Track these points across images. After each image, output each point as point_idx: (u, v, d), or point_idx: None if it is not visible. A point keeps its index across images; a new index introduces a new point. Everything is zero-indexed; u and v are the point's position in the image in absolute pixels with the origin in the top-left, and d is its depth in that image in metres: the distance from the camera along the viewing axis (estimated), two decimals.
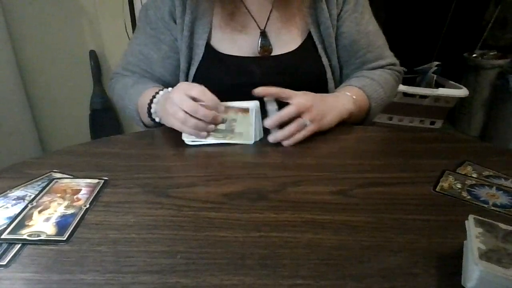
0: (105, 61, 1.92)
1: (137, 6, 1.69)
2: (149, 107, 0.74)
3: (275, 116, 0.65)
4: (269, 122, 0.66)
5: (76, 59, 1.87)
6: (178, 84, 0.68)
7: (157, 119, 0.75)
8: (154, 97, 0.74)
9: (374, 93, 0.80)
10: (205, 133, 0.66)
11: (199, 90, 0.65)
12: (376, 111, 0.83)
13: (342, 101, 0.75)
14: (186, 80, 0.83)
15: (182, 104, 0.63)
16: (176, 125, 0.66)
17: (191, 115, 0.64)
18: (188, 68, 0.83)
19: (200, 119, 0.64)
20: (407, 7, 2.30)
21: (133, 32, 1.71)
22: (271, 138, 0.66)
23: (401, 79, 0.92)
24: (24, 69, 1.85)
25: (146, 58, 0.84)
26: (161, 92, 0.74)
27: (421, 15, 2.33)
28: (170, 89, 0.75)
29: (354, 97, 0.77)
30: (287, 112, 0.65)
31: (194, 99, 0.64)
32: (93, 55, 1.86)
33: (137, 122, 0.81)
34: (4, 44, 1.69)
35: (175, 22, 0.80)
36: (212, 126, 0.66)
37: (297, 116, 0.66)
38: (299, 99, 0.67)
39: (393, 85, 0.87)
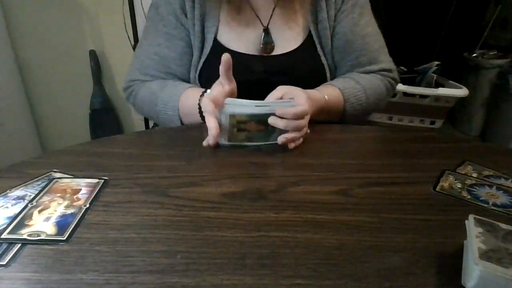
0: (105, 61, 1.92)
1: (137, 6, 1.69)
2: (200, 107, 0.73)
3: (292, 110, 0.63)
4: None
5: (76, 59, 1.88)
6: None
7: None
8: (202, 96, 0.73)
9: (352, 97, 0.79)
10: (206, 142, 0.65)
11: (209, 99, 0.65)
12: (352, 114, 0.81)
13: (317, 102, 0.73)
14: (195, 73, 0.83)
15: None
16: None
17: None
18: (198, 62, 0.83)
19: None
20: (407, 7, 2.30)
21: (133, 32, 1.72)
22: (281, 140, 0.64)
23: (395, 86, 0.89)
24: (24, 69, 1.85)
25: (163, 59, 0.83)
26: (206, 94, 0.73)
27: (421, 15, 2.33)
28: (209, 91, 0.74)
29: (326, 97, 0.75)
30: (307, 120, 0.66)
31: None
32: (93, 55, 1.86)
33: (175, 125, 0.80)
34: (4, 44, 1.70)
35: (186, 16, 0.80)
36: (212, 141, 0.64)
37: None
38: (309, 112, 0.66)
39: (381, 92, 0.85)
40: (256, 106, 0.64)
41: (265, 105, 0.65)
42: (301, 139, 0.67)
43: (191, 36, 0.82)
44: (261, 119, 0.64)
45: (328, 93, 0.77)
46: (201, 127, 0.75)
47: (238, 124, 0.65)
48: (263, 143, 0.66)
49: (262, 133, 0.66)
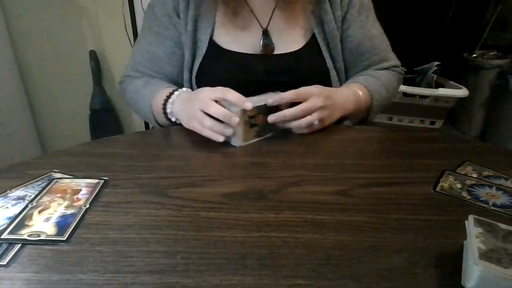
0: (105, 61, 1.92)
1: (137, 6, 1.69)
2: (164, 108, 0.75)
3: (294, 110, 0.66)
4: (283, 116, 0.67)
5: (76, 59, 1.87)
6: (201, 89, 0.69)
7: (173, 119, 0.76)
8: (168, 97, 0.75)
9: (376, 93, 0.82)
10: (221, 137, 0.64)
11: (222, 90, 0.65)
12: (377, 110, 0.85)
13: (346, 98, 0.77)
14: (190, 75, 0.84)
15: (202, 106, 0.64)
16: (196, 127, 0.67)
17: (210, 117, 0.64)
18: (192, 63, 0.83)
19: (219, 121, 0.64)
20: (407, 7, 2.30)
21: (133, 32, 1.72)
22: (272, 118, 0.66)
23: (403, 80, 0.94)
24: (24, 69, 1.85)
25: (153, 57, 0.84)
26: (176, 93, 0.75)
27: (421, 15, 2.33)
28: (184, 89, 0.77)
29: (360, 93, 0.79)
30: (306, 109, 0.67)
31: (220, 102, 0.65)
32: (93, 55, 1.86)
33: (153, 123, 0.82)
34: (4, 44, 1.69)
35: (179, 16, 0.81)
36: (229, 130, 0.64)
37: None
38: (315, 100, 0.68)
39: (395, 86, 0.90)
40: (257, 99, 0.66)
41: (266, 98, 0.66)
42: (306, 128, 0.69)
43: (183, 36, 0.82)
44: (267, 110, 0.66)
45: (359, 89, 0.80)
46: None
47: (249, 120, 0.66)
48: (272, 133, 0.68)
49: (270, 125, 0.67)
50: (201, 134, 0.66)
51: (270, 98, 0.66)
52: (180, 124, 0.74)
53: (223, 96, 0.64)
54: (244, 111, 0.63)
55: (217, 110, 0.63)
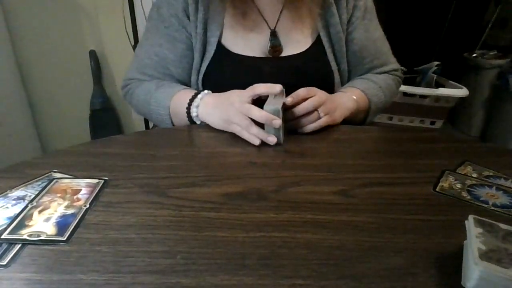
0: (105, 61, 1.92)
1: (137, 6, 1.70)
2: (189, 111, 0.75)
3: (305, 103, 0.69)
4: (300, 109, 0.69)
5: (76, 59, 1.87)
6: (230, 94, 0.71)
7: (198, 122, 0.76)
8: (192, 100, 0.75)
9: (374, 97, 0.84)
10: (259, 141, 0.66)
11: (251, 89, 0.67)
12: (375, 112, 0.86)
13: (345, 100, 0.79)
14: (197, 77, 0.84)
15: (243, 110, 0.66)
16: (235, 130, 0.68)
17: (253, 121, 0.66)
18: (200, 65, 0.83)
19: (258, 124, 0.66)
20: (407, 7, 2.30)
21: (133, 32, 1.72)
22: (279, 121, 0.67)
23: (401, 83, 0.96)
24: (24, 69, 1.85)
25: (162, 60, 0.83)
26: (199, 96, 0.75)
27: (421, 15, 2.33)
28: (206, 91, 0.76)
29: (354, 97, 0.80)
30: (315, 101, 0.69)
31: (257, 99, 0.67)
32: (93, 55, 1.86)
33: (166, 125, 0.80)
34: (4, 44, 1.69)
35: (188, 18, 0.80)
36: (272, 139, 0.65)
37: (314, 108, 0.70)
38: (319, 93, 0.71)
39: (393, 90, 0.92)
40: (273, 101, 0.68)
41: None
42: (317, 124, 0.71)
43: (193, 39, 0.81)
44: (283, 109, 0.67)
45: (355, 94, 0.82)
46: (202, 127, 0.75)
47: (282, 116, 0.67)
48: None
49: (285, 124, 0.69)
50: (241, 136, 0.68)
51: (288, 97, 0.68)
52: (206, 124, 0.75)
53: (254, 94, 0.67)
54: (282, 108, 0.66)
55: (260, 114, 0.65)
